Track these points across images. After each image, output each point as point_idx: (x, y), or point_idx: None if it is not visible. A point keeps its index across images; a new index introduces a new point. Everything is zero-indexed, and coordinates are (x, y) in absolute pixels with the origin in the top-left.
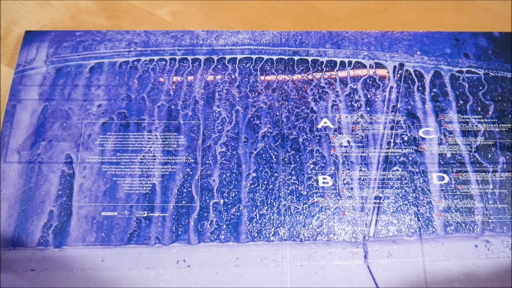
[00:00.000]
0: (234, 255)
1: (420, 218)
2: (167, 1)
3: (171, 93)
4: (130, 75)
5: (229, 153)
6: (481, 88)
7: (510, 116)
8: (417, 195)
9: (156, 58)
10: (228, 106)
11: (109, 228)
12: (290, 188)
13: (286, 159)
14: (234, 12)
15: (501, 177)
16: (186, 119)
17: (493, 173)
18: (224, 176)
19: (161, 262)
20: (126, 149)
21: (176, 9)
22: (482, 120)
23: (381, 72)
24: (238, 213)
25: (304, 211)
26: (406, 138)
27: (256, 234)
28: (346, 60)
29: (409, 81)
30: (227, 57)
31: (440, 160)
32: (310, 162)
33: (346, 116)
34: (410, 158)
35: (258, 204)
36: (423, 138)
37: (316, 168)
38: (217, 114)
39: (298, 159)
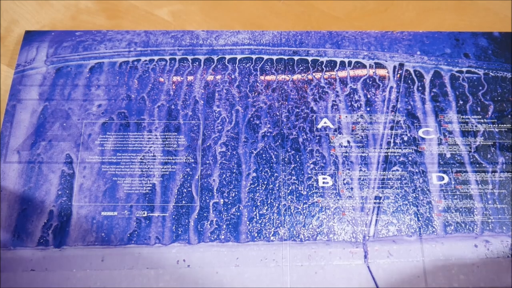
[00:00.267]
0: (234, 255)
1: (420, 218)
2: (167, 1)
3: (171, 93)
4: (130, 75)
5: (229, 153)
6: (481, 88)
7: (509, 116)
8: (417, 195)
9: (156, 58)
10: (228, 106)
11: (109, 228)
12: (290, 188)
13: (286, 159)
14: (234, 12)
15: (501, 177)
16: (186, 119)
17: (493, 173)
18: (224, 176)
19: (161, 262)
20: (126, 149)
21: (176, 9)
22: (482, 121)
23: (381, 72)
24: (238, 213)
25: (304, 211)
26: (406, 138)
27: (256, 234)
28: (346, 60)
29: (409, 81)
30: (227, 57)
31: (440, 160)
32: (310, 162)
33: (346, 116)
34: (410, 158)
35: (258, 204)
36: (423, 138)
37: (316, 168)
38: (217, 114)
39: (298, 159)
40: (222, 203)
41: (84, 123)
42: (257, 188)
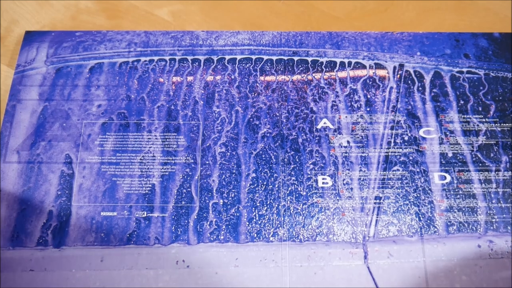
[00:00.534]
0: (234, 256)
1: (421, 218)
2: (167, 1)
3: (170, 93)
4: (130, 76)
5: (228, 154)
6: (481, 88)
7: (511, 115)
8: (418, 195)
9: (156, 58)
10: (227, 107)
11: (108, 228)
12: (290, 188)
13: (285, 160)
14: (234, 12)
15: (505, 176)
16: (186, 119)
17: (496, 172)
18: (223, 176)
19: (160, 262)
20: (126, 149)
21: (176, 9)
22: (484, 120)
23: (381, 72)
24: (238, 214)
25: (304, 212)
26: (406, 138)
27: (255, 235)
28: (346, 60)
29: (409, 82)
30: (227, 57)
31: (442, 160)
32: (310, 163)
33: (346, 116)
34: (410, 158)
35: (258, 204)
36: (424, 138)
37: (316, 169)
38: (216, 115)
39: (297, 160)
40: (221, 203)
41: (83, 123)
42: (257, 189)
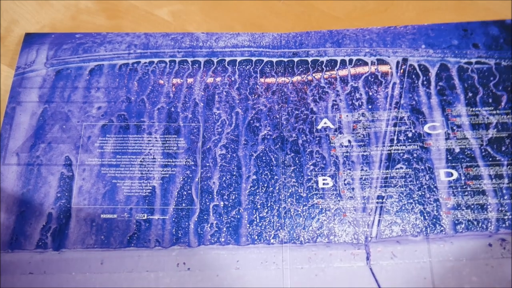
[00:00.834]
0: (235, 258)
1: (427, 217)
2: (167, 1)
3: (171, 95)
4: (130, 77)
5: (229, 156)
6: (492, 78)
7: None
8: (423, 193)
9: (156, 60)
10: (228, 108)
11: (108, 231)
12: (290, 190)
13: (286, 162)
14: (234, 12)
15: None
16: (186, 121)
17: (508, 167)
18: (224, 178)
19: (161, 264)
20: (126, 152)
21: (176, 9)
22: (494, 112)
23: (383, 68)
24: (238, 216)
25: (304, 213)
26: (410, 135)
27: (256, 237)
28: (347, 58)
29: (413, 76)
30: (227, 59)
31: (448, 156)
32: (310, 164)
33: (347, 115)
34: (415, 155)
35: (258, 207)
36: (429, 134)
37: (316, 170)
38: (217, 116)
39: (297, 161)
40: (222, 205)
41: (83, 125)
42: (257, 191)
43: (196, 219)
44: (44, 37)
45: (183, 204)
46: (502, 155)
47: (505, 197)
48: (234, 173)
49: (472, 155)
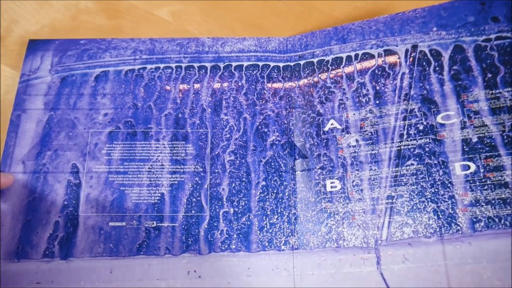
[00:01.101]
0: (246, 265)
1: (441, 216)
2: (167, 1)
3: (178, 101)
4: (136, 83)
5: (238, 162)
6: None
7: None
8: (436, 190)
9: (162, 66)
10: (235, 114)
11: (117, 239)
12: (299, 196)
13: (294, 167)
14: (234, 12)
15: None
16: (194, 127)
17: None
18: (233, 185)
19: (171, 273)
20: (134, 158)
21: (176, 9)
22: None
23: (391, 59)
24: (249, 222)
25: (313, 218)
26: (421, 128)
27: (267, 243)
28: (353, 53)
29: (424, 63)
30: (234, 64)
31: (464, 147)
32: (318, 167)
33: (354, 114)
34: (426, 149)
35: (268, 213)
36: (442, 125)
37: (324, 173)
38: (225, 122)
39: (305, 166)
40: (232, 212)
41: (90, 132)
42: (267, 197)
43: (206, 226)
44: (49, 44)
45: (193, 211)
46: None
47: None
48: (244, 179)
49: (492, 143)
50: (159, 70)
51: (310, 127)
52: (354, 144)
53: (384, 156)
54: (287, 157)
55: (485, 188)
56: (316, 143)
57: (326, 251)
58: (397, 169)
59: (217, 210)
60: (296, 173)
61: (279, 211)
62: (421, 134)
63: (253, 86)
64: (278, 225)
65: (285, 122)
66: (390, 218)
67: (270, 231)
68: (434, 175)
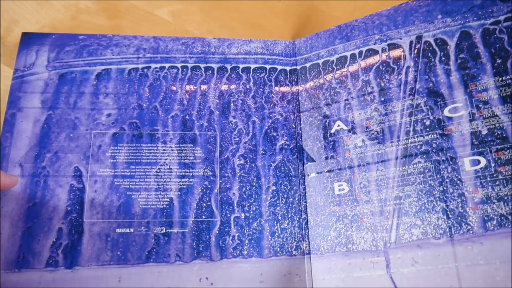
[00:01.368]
0: (258, 271)
1: (450, 215)
2: (167, 1)
3: (184, 102)
4: (141, 83)
5: (247, 166)
6: None
7: None
8: (445, 188)
9: (167, 65)
10: (244, 117)
11: (125, 246)
12: (309, 200)
13: (303, 172)
14: (234, 12)
15: None
16: (202, 130)
17: None
18: (244, 189)
19: (182, 280)
20: (140, 162)
21: (176, 9)
22: None
23: (395, 53)
24: (260, 228)
25: (323, 223)
26: (428, 123)
27: (278, 249)
28: (357, 51)
29: (429, 54)
30: (241, 66)
31: (474, 140)
32: (326, 170)
33: (359, 113)
34: (434, 145)
35: (279, 218)
36: (450, 118)
37: (332, 176)
38: (233, 125)
39: (314, 169)
40: (243, 217)
41: (93, 133)
42: (277, 202)
43: (217, 232)
44: (44, 38)
45: (203, 216)
46: None
47: None
48: (254, 183)
49: (504, 135)
50: (164, 69)
51: (317, 130)
52: (361, 144)
53: (390, 155)
54: (296, 161)
55: (497, 183)
56: (323, 146)
57: (336, 255)
58: (404, 168)
59: (228, 215)
60: (305, 177)
61: (289, 216)
62: (427, 129)
63: (261, 89)
64: (289, 230)
65: (293, 126)
66: (398, 220)
67: (282, 236)
68: (442, 172)
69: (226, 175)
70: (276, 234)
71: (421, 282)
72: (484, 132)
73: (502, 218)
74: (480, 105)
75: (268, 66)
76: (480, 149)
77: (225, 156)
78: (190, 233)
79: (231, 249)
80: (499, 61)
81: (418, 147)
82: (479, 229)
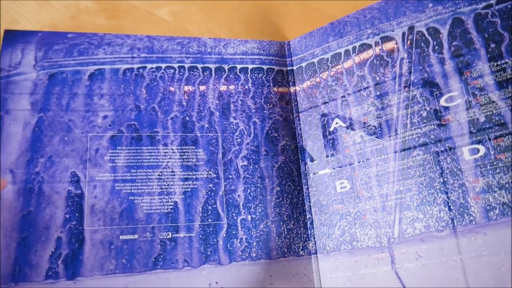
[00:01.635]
0: (267, 273)
1: (452, 207)
2: (167, 1)
3: (183, 103)
4: (137, 84)
5: (251, 167)
6: None
7: None
8: (445, 179)
9: (163, 65)
10: (245, 118)
11: (130, 253)
12: (312, 200)
13: (305, 171)
14: (234, 12)
15: None
16: (203, 131)
17: None
18: (248, 191)
19: (192, 286)
20: (141, 165)
21: (176, 9)
22: None
23: (388, 46)
24: (267, 229)
25: (327, 222)
26: (424, 114)
27: (286, 250)
28: (350, 47)
29: (422, 44)
30: (238, 66)
31: (472, 128)
32: (327, 169)
33: (356, 109)
34: (432, 137)
35: (285, 219)
36: (446, 108)
37: (333, 174)
38: (234, 126)
39: (315, 169)
40: (250, 219)
41: (89, 136)
42: (282, 203)
43: (224, 235)
44: (29, 36)
45: (209, 220)
46: None
47: None
48: (258, 185)
49: (502, 121)
50: (160, 70)
51: (316, 129)
52: (359, 140)
53: (389, 149)
54: (298, 161)
55: (497, 171)
56: (323, 145)
57: (342, 253)
58: (403, 161)
59: (235, 217)
60: (308, 177)
61: (295, 216)
62: (425, 121)
63: (260, 90)
64: (295, 230)
65: (293, 126)
66: (400, 214)
67: (288, 237)
68: (441, 163)
69: (230, 176)
70: (283, 235)
71: (426, 276)
72: (482, 119)
73: (505, 206)
74: (476, 92)
75: (265, 67)
76: (479, 137)
77: (228, 158)
78: (197, 237)
79: (240, 252)
80: (493, 45)
81: (416, 139)
82: (482, 219)
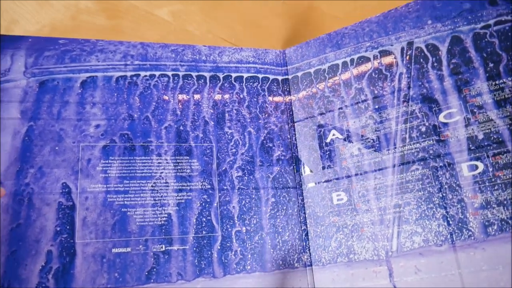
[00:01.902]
0: (262, 286)
1: (451, 222)
2: (167, 1)
3: (178, 112)
4: (130, 92)
5: (246, 178)
6: None
7: None
8: (444, 194)
9: (157, 73)
10: (240, 128)
11: (122, 267)
12: (308, 211)
13: (301, 182)
14: (234, 12)
15: None
16: (198, 141)
17: None
18: (243, 202)
19: None
20: (134, 176)
21: (176, 9)
22: None
23: (387, 60)
24: (262, 241)
25: (323, 233)
26: (423, 129)
27: (281, 262)
28: (348, 59)
29: (421, 60)
30: (233, 75)
31: (470, 145)
32: (323, 181)
33: (354, 122)
34: (431, 152)
35: (280, 230)
36: (445, 124)
37: (330, 186)
38: (229, 136)
39: (311, 180)
40: (244, 231)
41: (81, 146)
42: (277, 214)
43: (219, 247)
44: (19, 41)
45: (204, 232)
46: None
47: None
48: (253, 196)
49: (500, 139)
50: (154, 78)
51: (312, 139)
52: (357, 153)
53: (387, 163)
54: (293, 172)
55: (496, 188)
56: (319, 156)
57: (338, 266)
58: (402, 175)
59: (229, 229)
60: (303, 188)
61: (290, 227)
62: (423, 136)
63: (255, 99)
64: (290, 242)
65: (288, 137)
66: (399, 228)
67: (283, 248)
68: (440, 178)
69: (225, 187)
70: (278, 246)
71: None
72: (481, 136)
73: (503, 222)
74: (475, 110)
75: (260, 76)
76: (477, 154)
77: (223, 168)
78: (191, 249)
79: (234, 264)
80: (491, 65)
81: (415, 154)
82: (481, 234)
